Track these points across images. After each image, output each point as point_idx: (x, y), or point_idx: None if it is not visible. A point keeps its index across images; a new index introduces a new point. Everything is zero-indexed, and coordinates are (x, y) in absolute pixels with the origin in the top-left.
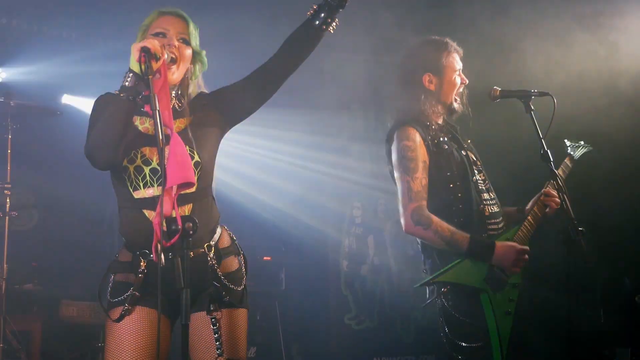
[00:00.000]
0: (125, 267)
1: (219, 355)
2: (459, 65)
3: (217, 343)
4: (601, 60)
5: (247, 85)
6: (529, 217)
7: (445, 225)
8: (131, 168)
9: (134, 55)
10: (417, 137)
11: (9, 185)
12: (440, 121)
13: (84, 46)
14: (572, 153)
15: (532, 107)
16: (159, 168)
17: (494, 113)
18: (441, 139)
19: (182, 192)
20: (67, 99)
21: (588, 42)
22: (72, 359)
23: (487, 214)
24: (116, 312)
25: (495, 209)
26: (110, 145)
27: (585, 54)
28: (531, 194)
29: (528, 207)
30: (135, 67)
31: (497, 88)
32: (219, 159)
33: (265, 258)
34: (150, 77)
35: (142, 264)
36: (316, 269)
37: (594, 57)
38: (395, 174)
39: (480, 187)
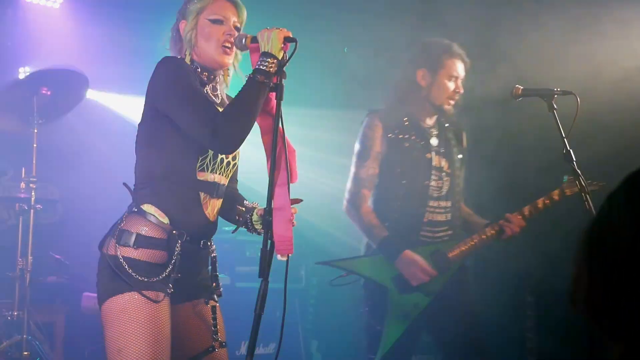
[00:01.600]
0: (157, 244)
1: (215, 340)
2: (457, 71)
3: (214, 329)
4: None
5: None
6: (474, 237)
7: (370, 217)
8: (211, 152)
9: (279, 41)
10: (379, 128)
11: (35, 179)
12: (428, 119)
13: (108, 41)
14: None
15: (555, 106)
16: (225, 158)
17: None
18: (406, 136)
19: (223, 185)
20: (91, 94)
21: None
22: (94, 351)
23: (425, 220)
24: (157, 294)
25: (440, 217)
26: (249, 128)
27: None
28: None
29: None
30: (278, 54)
31: (519, 86)
32: (249, 155)
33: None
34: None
35: (178, 245)
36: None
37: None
38: (352, 158)
39: (430, 192)
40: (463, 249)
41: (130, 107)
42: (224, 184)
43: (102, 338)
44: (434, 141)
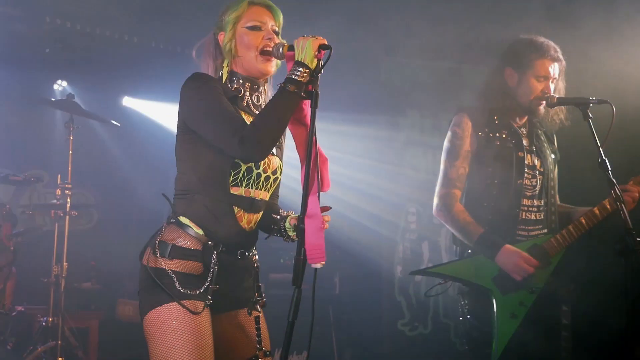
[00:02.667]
0: (192, 255)
1: (259, 350)
2: (548, 73)
3: (258, 339)
4: None
5: None
6: (569, 227)
7: (464, 215)
8: (244, 167)
9: (313, 49)
10: (468, 126)
11: (70, 186)
12: (517, 118)
13: (144, 49)
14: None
15: (590, 115)
16: (262, 173)
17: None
18: (497, 134)
19: (263, 200)
20: (127, 101)
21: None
22: (128, 357)
23: (520, 218)
24: (196, 304)
25: (535, 216)
26: (277, 138)
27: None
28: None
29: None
30: (311, 63)
31: (555, 95)
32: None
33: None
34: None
35: (214, 256)
36: (370, 274)
37: None
38: (441, 157)
39: (524, 191)
40: (561, 240)
41: (165, 113)
42: (262, 199)
43: (135, 345)
44: (525, 141)
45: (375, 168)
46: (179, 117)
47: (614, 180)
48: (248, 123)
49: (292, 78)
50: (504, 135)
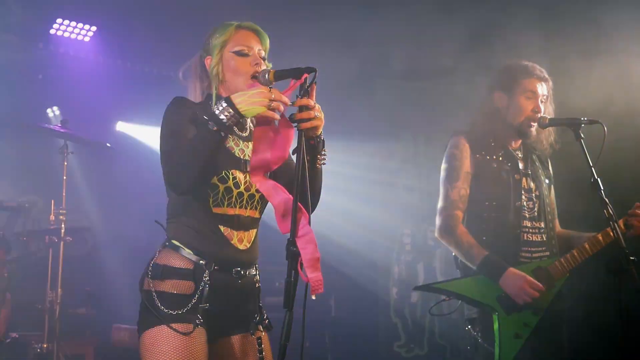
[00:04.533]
0: (183, 274)
1: None
2: (535, 89)
3: None
4: None
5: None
6: (574, 251)
7: (467, 238)
8: (221, 187)
9: (259, 107)
10: (466, 148)
11: (64, 211)
12: (512, 142)
13: (137, 73)
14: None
15: (582, 135)
16: (244, 192)
17: None
18: (494, 157)
19: (251, 217)
20: (120, 126)
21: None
22: None
23: (521, 240)
24: (185, 325)
25: (536, 238)
26: (198, 174)
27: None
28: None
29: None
30: (246, 113)
31: (546, 116)
32: None
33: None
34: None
35: (206, 274)
36: (366, 296)
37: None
38: (440, 180)
39: (523, 213)
40: (565, 264)
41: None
42: (249, 216)
43: None
44: (520, 164)
45: (370, 190)
46: None
47: (607, 200)
48: (233, 146)
49: (218, 116)
50: (500, 158)
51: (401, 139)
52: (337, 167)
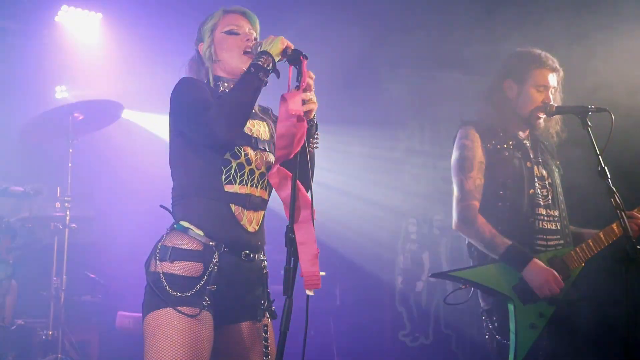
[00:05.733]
0: (192, 256)
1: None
2: (547, 82)
3: (265, 350)
4: None
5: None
6: (589, 241)
7: (488, 227)
8: (234, 163)
9: (280, 44)
10: (476, 138)
11: (69, 198)
12: (520, 132)
13: (144, 60)
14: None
15: (589, 123)
16: (256, 170)
17: None
18: (504, 145)
19: (261, 198)
20: (126, 114)
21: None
22: None
23: (537, 228)
24: (192, 308)
25: (551, 226)
26: (244, 118)
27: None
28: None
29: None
30: (276, 55)
31: (553, 104)
32: None
33: (319, 273)
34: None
35: (215, 256)
36: (371, 285)
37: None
38: (452, 172)
39: (537, 201)
40: (580, 254)
41: (164, 126)
42: (259, 196)
43: (136, 357)
44: (531, 152)
45: (375, 179)
46: (169, 122)
47: (614, 189)
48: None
49: (257, 63)
50: (510, 147)
51: (407, 127)
52: (342, 155)
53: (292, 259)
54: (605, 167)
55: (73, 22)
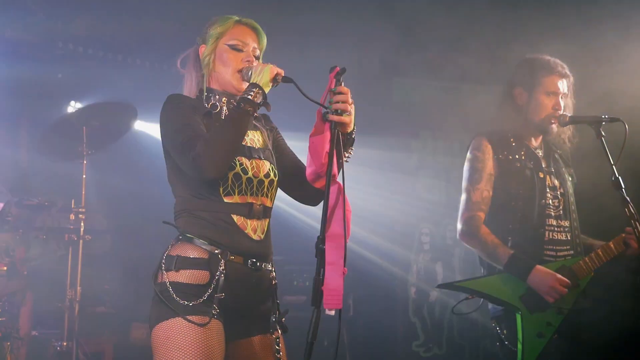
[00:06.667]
0: (198, 264)
1: None
2: (557, 88)
3: None
4: None
5: (292, 172)
6: (598, 250)
7: (491, 237)
8: (230, 174)
9: (270, 74)
10: (488, 149)
11: (83, 210)
12: (533, 140)
13: (156, 72)
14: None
15: (603, 133)
16: (253, 179)
17: None
18: (516, 156)
19: (263, 205)
20: (139, 125)
21: None
22: None
23: (546, 238)
24: (200, 318)
25: (561, 236)
26: (233, 155)
27: None
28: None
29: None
30: (266, 86)
31: (567, 114)
32: None
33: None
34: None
35: (221, 263)
36: (384, 295)
37: None
38: (463, 181)
39: (548, 212)
40: (589, 263)
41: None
42: (261, 204)
43: None
44: (543, 162)
45: (388, 189)
46: (162, 143)
47: (628, 199)
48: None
49: (246, 98)
50: (522, 157)
51: (420, 138)
52: (355, 165)
53: (322, 269)
54: (620, 177)
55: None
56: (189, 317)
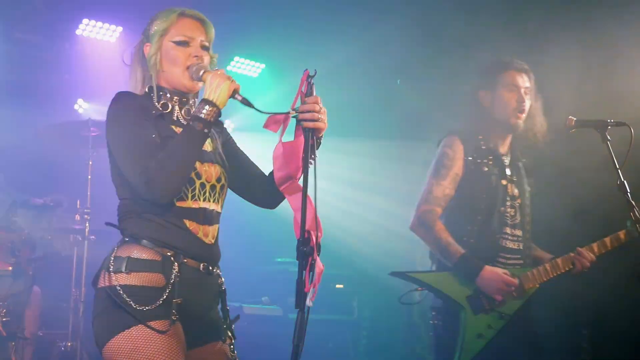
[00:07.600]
0: (151, 266)
1: None
2: (516, 82)
3: None
4: None
5: (246, 174)
6: (546, 265)
7: (446, 235)
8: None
9: (227, 94)
10: (460, 149)
11: (89, 210)
12: (501, 143)
13: None
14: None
15: (609, 137)
16: (206, 183)
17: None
18: (484, 160)
19: (215, 211)
20: None
21: None
22: None
23: (500, 245)
24: (161, 323)
25: (513, 245)
26: (187, 175)
27: None
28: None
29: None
30: (222, 104)
31: (573, 118)
32: None
33: (337, 286)
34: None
35: (175, 266)
36: (388, 298)
37: None
38: (427, 172)
39: (505, 219)
40: (537, 275)
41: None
42: (213, 210)
43: None
44: (507, 170)
45: (393, 192)
46: (107, 141)
47: (634, 203)
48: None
49: (199, 116)
50: (490, 163)
51: (424, 140)
52: (359, 169)
53: (304, 272)
54: (625, 181)
55: (94, 35)
56: (151, 324)
